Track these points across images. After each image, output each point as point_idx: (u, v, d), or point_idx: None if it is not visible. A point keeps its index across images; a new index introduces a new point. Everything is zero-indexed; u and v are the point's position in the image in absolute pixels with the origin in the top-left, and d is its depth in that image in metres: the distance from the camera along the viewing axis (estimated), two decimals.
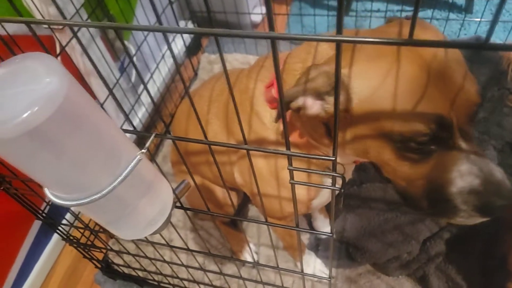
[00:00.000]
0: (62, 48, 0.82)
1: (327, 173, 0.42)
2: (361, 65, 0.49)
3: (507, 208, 0.48)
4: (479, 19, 1.60)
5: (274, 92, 0.65)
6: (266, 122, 0.68)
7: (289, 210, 0.76)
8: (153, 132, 0.47)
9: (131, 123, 0.48)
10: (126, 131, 0.47)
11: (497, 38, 1.57)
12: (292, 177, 0.44)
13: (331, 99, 0.52)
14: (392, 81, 0.47)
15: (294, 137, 0.65)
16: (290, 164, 0.42)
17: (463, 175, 0.48)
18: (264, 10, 1.78)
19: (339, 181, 0.44)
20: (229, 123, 0.77)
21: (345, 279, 1.06)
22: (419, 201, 0.54)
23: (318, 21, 1.71)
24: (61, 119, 0.33)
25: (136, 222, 0.47)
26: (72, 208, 1.09)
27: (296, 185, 0.50)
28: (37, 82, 0.32)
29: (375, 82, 0.48)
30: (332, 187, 0.44)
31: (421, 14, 1.70)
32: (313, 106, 0.52)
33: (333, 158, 0.39)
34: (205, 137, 0.43)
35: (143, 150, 0.44)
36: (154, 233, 0.50)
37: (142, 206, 0.46)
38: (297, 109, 0.53)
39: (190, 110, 0.93)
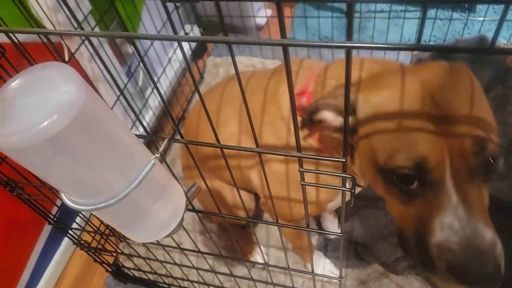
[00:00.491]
0: (71, 55, 0.84)
1: (336, 174, 0.43)
2: (368, 93, 0.52)
3: (493, 281, 0.42)
4: (482, 18, 1.60)
5: (304, 100, 0.67)
6: (292, 128, 0.69)
7: (303, 213, 0.77)
8: (161, 135, 0.48)
9: (143, 127, 0.49)
10: (139, 136, 0.49)
11: (501, 36, 1.57)
12: (302, 179, 0.45)
13: (349, 118, 0.54)
14: (393, 106, 0.49)
15: (316, 144, 0.67)
16: (300, 166, 0.43)
17: (443, 228, 0.45)
18: (268, 13, 1.79)
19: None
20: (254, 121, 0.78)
21: (354, 279, 1.06)
22: (407, 243, 0.52)
23: (322, 24, 1.72)
24: (79, 126, 0.34)
25: (150, 225, 0.48)
26: (84, 212, 1.11)
27: (315, 188, 0.51)
28: (55, 90, 0.33)
29: (377, 109, 0.51)
30: (342, 188, 0.45)
31: None
32: (334, 121, 0.56)
33: (343, 160, 0.40)
34: (218, 140, 0.44)
35: (156, 155, 0.45)
36: (167, 236, 0.51)
37: (156, 210, 0.47)
38: (318, 121, 0.57)
39: (203, 112, 0.93)
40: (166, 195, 0.48)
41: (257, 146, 0.42)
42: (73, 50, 0.95)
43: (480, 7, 1.67)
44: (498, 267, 0.43)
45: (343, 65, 0.64)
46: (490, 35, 1.41)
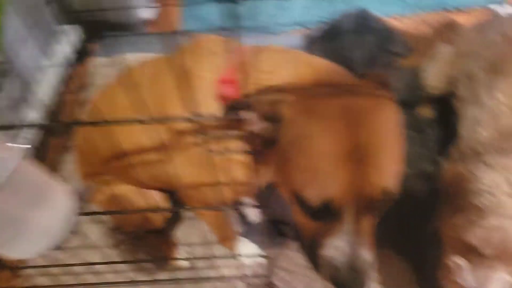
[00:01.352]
0: None
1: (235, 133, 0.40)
2: (298, 115, 0.52)
3: None
4: None
5: (231, 91, 0.62)
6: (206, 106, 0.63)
7: (229, 196, 0.73)
8: (47, 153, 0.39)
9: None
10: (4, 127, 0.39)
11: (376, 10, 1.70)
12: (207, 148, 0.40)
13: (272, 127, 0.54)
14: (317, 141, 0.50)
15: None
16: (202, 134, 0.39)
17: (332, 247, 0.53)
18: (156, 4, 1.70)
19: None
20: (163, 108, 0.70)
21: (281, 256, 1.06)
22: (303, 241, 0.60)
23: (213, 12, 1.70)
24: None
25: (29, 235, 0.38)
26: None
27: (238, 168, 0.55)
28: None
29: (302, 136, 0.51)
30: (245, 152, 0.42)
31: None
32: (255, 125, 0.55)
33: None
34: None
35: (25, 146, 0.36)
36: (56, 246, 0.42)
37: (36, 215, 0.38)
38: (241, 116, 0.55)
39: (112, 104, 0.82)
40: (45, 197, 0.39)
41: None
42: None
43: None
44: (363, 283, 0.53)
45: (276, 57, 0.62)
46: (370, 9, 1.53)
